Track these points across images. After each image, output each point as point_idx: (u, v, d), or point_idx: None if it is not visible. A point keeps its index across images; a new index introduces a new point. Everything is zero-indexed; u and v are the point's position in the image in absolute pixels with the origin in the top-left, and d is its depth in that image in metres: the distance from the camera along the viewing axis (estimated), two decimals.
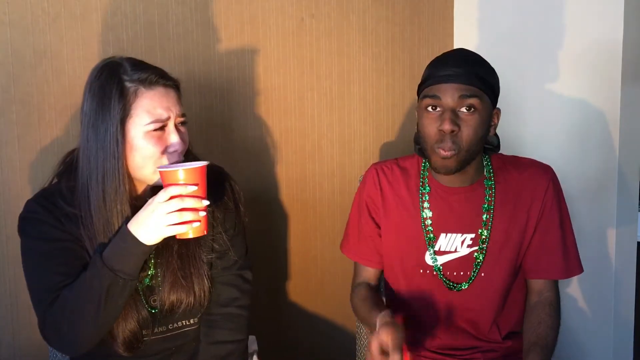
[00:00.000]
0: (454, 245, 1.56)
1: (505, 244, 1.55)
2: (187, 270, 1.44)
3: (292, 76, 2.04)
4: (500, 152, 1.64)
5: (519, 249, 1.55)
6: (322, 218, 2.14)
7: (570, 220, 1.59)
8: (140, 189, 1.42)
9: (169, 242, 1.40)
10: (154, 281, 1.44)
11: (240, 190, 1.54)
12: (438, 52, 2.40)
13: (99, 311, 1.30)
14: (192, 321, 1.50)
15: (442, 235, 1.57)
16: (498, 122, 1.54)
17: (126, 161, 1.34)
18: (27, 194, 1.66)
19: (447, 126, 1.43)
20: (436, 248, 1.57)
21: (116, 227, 1.34)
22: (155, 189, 1.34)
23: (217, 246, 1.49)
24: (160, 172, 1.28)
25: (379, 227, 1.64)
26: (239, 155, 1.95)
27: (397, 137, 2.28)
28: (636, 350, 2.23)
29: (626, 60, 1.99)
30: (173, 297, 1.43)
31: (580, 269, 1.58)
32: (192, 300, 1.45)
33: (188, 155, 1.42)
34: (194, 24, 1.85)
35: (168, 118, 1.34)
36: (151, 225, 1.27)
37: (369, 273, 1.68)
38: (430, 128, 1.47)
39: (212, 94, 1.89)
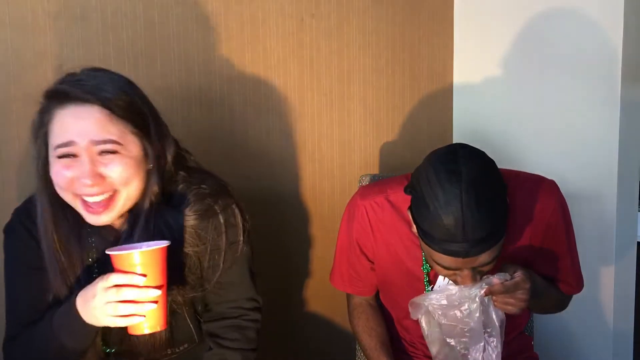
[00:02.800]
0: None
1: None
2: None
3: (292, 76, 2.03)
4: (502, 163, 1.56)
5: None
6: (322, 218, 2.13)
7: (574, 239, 1.54)
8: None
9: None
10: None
11: (241, 215, 1.36)
12: (438, 52, 2.41)
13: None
14: (178, 349, 1.36)
15: (441, 277, 1.47)
16: None
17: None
18: (27, 194, 1.66)
19: (469, 284, 1.32)
20: (436, 287, 1.48)
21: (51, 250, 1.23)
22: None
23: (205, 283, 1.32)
24: (109, 254, 1.13)
25: (372, 262, 1.57)
26: (238, 155, 1.95)
27: (397, 137, 2.28)
28: (636, 350, 2.23)
29: (626, 60, 1.99)
30: (132, 339, 1.26)
31: (580, 288, 1.57)
32: (160, 340, 1.28)
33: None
34: (194, 24, 1.85)
35: (72, 143, 1.16)
36: (89, 311, 1.13)
37: (365, 296, 1.63)
38: (443, 273, 1.35)
39: (212, 94, 1.89)
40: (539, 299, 1.42)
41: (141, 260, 1.10)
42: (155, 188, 1.25)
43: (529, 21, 2.18)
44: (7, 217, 1.65)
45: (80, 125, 1.15)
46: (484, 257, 1.27)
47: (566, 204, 1.51)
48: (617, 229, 2.06)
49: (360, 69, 2.16)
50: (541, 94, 2.17)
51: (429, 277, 1.49)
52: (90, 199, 1.19)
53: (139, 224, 1.23)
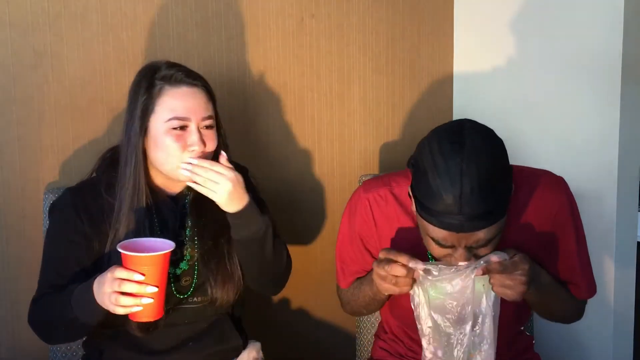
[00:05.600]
0: None
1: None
2: (231, 264, 1.47)
3: (292, 76, 2.03)
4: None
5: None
6: (321, 218, 2.14)
7: (584, 238, 1.49)
8: (168, 185, 1.47)
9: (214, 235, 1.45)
10: (190, 263, 1.46)
11: (257, 184, 1.62)
12: (438, 52, 2.41)
13: (67, 330, 1.41)
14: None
15: None
16: None
17: (150, 155, 1.41)
18: (27, 194, 1.67)
19: (462, 263, 1.26)
20: None
21: (126, 215, 1.40)
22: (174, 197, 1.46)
23: None
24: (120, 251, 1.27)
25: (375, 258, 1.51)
26: (238, 155, 1.95)
27: (397, 137, 2.28)
28: (636, 350, 2.23)
29: (626, 61, 1.99)
30: (220, 294, 1.46)
31: (592, 292, 1.50)
32: (233, 294, 1.48)
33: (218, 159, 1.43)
34: (194, 24, 1.85)
35: (188, 119, 1.38)
36: (100, 295, 1.28)
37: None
38: (438, 252, 1.29)
39: None
40: (542, 292, 1.38)
41: (144, 262, 1.25)
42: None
43: (529, 21, 2.18)
44: (7, 217, 1.65)
45: (192, 103, 1.39)
46: (479, 235, 1.22)
47: (575, 201, 1.46)
48: (617, 229, 2.06)
49: (360, 69, 2.16)
50: (541, 94, 2.17)
51: None
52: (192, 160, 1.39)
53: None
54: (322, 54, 2.08)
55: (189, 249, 1.47)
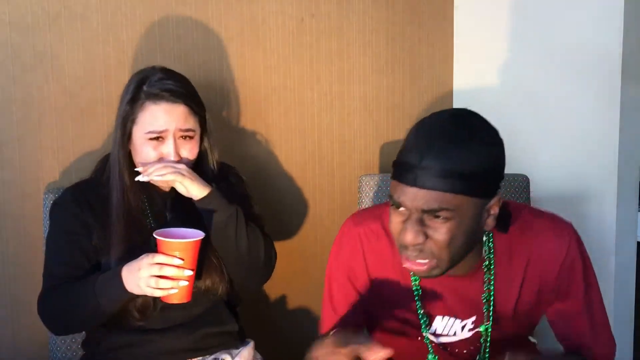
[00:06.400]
0: (453, 329, 1.32)
1: (515, 318, 1.31)
2: (215, 256, 1.51)
3: (292, 76, 2.04)
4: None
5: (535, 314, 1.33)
6: (321, 218, 2.13)
7: (598, 288, 1.32)
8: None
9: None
10: None
11: (243, 180, 1.65)
12: (438, 52, 2.42)
13: (85, 319, 1.46)
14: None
15: (439, 317, 1.31)
16: (499, 208, 1.18)
17: (134, 159, 1.49)
18: (27, 194, 1.67)
19: (408, 237, 1.11)
20: (431, 331, 1.32)
21: (120, 215, 1.47)
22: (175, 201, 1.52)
23: None
24: (155, 238, 1.36)
25: (363, 296, 1.36)
26: (238, 155, 1.95)
27: (397, 137, 2.28)
28: (636, 350, 2.23)
29: (626, 60, 1.99)
30: (208, 283, 1.50)
31: (612, 346, 1.34)
32: (225, 285, 1.53)
33: (201, 167, 1.53)
34: (194, 24, 1.85)
35: (165, 131, 1.46)
36: (134, 280, 1.35)
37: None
38: (394, 226, 1.15)
39: (211, 94, 1.89)
40: None
41: (181, 247, 1.34)
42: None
43: (529, 21, 2.18)
44: (7, 218, 1.65)
45: (170, 118, 1.46)
46: (432, 197, 1.08)
47: (583, 245, 1.31)
48: (617, 229, 2.06)
49: (360, 69, 2.16)
50: (541, 94, 2.17)
51: (426, 320, 1.31)
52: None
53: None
54: (322, 54, 2.08)
55: None
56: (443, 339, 1.33)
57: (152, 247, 1.38)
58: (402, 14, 2.24)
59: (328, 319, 1.38)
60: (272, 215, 2.05)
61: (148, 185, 1.50)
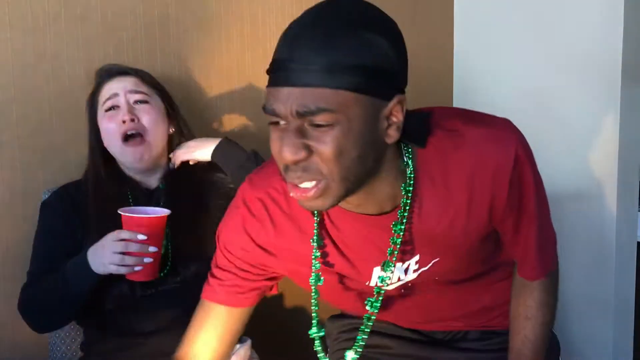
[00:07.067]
0: (395, 276, 1.14)
1: (455, 243, 1.11)
2: (203, 239, 1.51)
3: None
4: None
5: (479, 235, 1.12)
6: None
7: (547, 202, 1.18)
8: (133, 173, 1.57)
9: (181, 217, 1.50)
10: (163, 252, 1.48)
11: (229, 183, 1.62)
12: (438, 52, 2.41)
13: (59, 307, 1.46)
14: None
15: (376, 269, 1.12)
16: (404, 114, 0.98)
17: (109, 151, 1.54)
18: (27, 194, 1.66)
19: (286, 152, 0.91)
20: (372, 284, 1.14)
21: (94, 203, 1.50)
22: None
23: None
24: (120, 214, 1.37)
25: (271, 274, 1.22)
26: None
27: None
28: (636, 350, 2.23)
29: (626, 60, 1.99)
30: (194, 269, 1.49)
31: (552, 267, 1.22)
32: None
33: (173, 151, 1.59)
34: (193, 24, 1.85)
35: (115, 95, 1.50)
36: (99, 259, 1.36)
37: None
38: (273, 144, 0.95)
39: (211, 94, 1.89)
40: None
41: (145, 223, 1.35)
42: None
43: (529, 21, 2.18)
44: (7, 218, 1.65)
45: (120, 85, 1.51)
46: (307, 95, 0.89)
47: (530, 151, 1.17)
48: (617, 229, 2.06)
49: None
50: (541, 93, 2.17)
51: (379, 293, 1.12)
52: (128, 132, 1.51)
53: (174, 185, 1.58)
54: None
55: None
56: (392, 287, 1.16)
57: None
58: (402, 13, 2.23)
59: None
60: None
61: (132, 181, 1.54)
